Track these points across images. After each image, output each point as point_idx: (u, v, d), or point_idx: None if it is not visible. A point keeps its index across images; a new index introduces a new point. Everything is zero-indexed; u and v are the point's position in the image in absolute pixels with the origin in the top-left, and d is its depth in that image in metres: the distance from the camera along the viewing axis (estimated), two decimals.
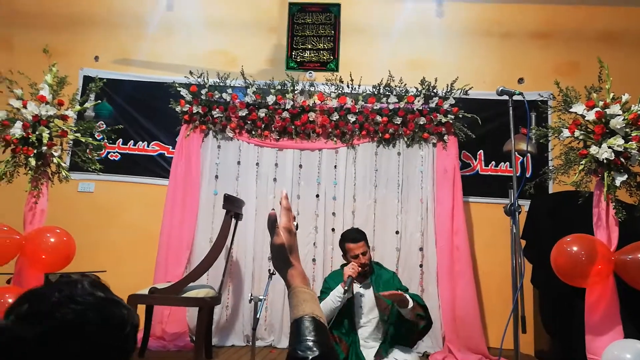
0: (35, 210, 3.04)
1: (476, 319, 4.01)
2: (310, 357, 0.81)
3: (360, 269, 2.86)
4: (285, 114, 4.35)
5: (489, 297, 4.30)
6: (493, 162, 4.53)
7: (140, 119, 4.67)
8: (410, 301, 2.70)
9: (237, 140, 4.46)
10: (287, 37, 4.79)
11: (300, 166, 4.42)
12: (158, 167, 4.63)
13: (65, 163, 3.23)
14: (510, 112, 2.44)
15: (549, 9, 4.71)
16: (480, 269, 4.36)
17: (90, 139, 3.25)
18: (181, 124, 4.48)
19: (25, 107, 3.02)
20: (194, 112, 4.41)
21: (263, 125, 4.41)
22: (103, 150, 4.52)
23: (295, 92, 4.40)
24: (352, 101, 4.34)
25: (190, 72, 4.46)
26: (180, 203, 4.32)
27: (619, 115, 2.62)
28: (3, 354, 0.74)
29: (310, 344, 0.83)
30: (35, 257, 2.95)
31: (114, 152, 4.65)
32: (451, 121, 4.28)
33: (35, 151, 3.00)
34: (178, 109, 4.43)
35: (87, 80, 4.56)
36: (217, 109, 4.39)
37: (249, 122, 4.41)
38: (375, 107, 4.33)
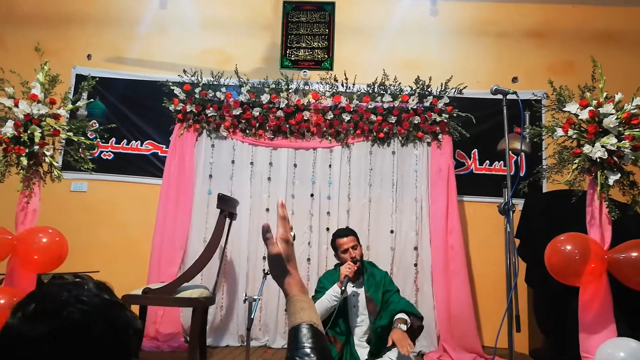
0: (27, 210, 3.01)
1: (471, 318, 4.03)
2: None
3: (356, 267, 2.86)
4: (280, 113, 4.34)
5: (483, 296, 4.32)
6: (487, 161, 4.55)
7: (133, 118, 4.64)
8: (408, 320, 2.73)
9: (231, 139, 4.44)
10: (281, 36, 4.77)
11: (295, 165, 4.41)
12: (151, 167, 4.60)
13: (57, 162, 3.19)
14: (504, 111, 2.45)
15: (544, 8, 4.72)
16: (474, 268, 4.37)
17: (83, 138, 3.22)
18: (175, 123, 4.45)
19: (16, 105, 2.98)
20: (187, 111, 4.38)
21: (257, 124, 4.39)
22: (96, 150, 4.49)
23: (290, 90, 4.39)
24: (346, 100, 4.33)
25: (184, 71, 4.43)
26: (173, 202, 4.30)
27: (612, 114, 2.62)
28: (9, 353, 0.74)
29: (308, 350, 0.85)
30: (27, 257, 2.92)
31: (106, 151, 4.62)
32: (445, 120, 4.29)
33: (27, 150, 2.96)
34: (171, 107, 4.40)
35: (80, 78, 4.53)
36: (211, 108, 4.37)
37: (243, 121, 4.40)
38: (369, 106, 4.32)
